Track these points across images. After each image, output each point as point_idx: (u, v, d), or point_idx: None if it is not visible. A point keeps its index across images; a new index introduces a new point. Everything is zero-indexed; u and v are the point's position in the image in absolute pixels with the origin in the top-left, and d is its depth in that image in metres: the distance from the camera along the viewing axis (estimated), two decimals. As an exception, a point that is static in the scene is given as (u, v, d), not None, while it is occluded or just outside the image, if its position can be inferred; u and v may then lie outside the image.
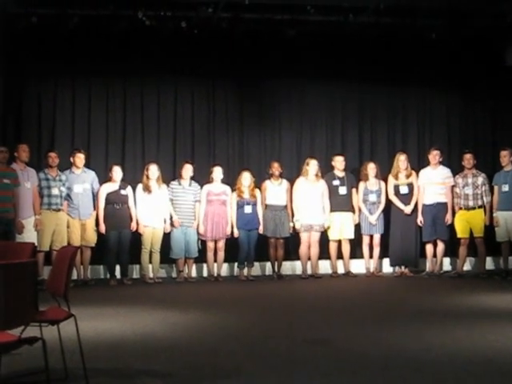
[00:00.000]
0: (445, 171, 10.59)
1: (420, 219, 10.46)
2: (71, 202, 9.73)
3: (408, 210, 10.44)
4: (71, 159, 9.86)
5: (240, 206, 10.22)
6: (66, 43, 10.04)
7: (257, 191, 10.32)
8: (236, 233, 10.20)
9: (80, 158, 9.82)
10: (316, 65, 10.90)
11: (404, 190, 10.50)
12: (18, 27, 9.57)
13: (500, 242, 10.17)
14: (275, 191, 10.37)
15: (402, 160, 10.57)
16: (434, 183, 10.48)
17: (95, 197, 9.87)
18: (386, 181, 10.64)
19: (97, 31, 9.94)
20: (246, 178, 10.26)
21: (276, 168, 10.41)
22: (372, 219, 10.48)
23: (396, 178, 10.56)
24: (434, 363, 5.04)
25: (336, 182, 10.55)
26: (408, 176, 10.55)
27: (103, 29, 9.87)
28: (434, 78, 11.34)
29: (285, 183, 10.45)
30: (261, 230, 10.28)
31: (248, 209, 10.21)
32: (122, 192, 9.87)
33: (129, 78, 10.80)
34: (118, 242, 9.78)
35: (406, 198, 10.48)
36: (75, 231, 9.68)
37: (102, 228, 9.74)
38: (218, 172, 10.27)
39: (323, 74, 11.04)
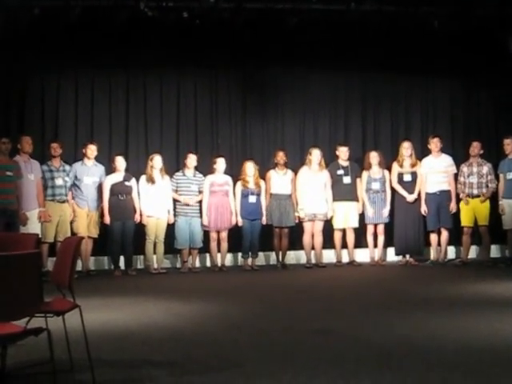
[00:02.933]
0: (447, 159, 10.59)
1: (424, 208, 10.46)
2: (80, 194, 9.74)
3: (411, 198, 10.44)
4: (83, 150, 9.88)
5: (244, 196, 10.22)
6: (68, 35, 10.01)
7: (261, 181, 10.33)
8: (240, 221, 10.21)
9: (92, 150, 9.84)
10: (318, 54, 10.86)
11: (407, 177, 10.50)
12: (21, 19, 9.57)
13: (506, 229, 10.15)
14: (280, 180, 10.37)
15: (405, 147, 10.55)
16: (436, 172, 10.47)
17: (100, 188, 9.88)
18: (389, 169, 10.63)
19: (99, 22, 9.91)
20: (250, 168, 10.25)
21: (281, 157, 10.41)
22: (384, 213, 10.48)
23: (401, 165, 10.56)
24: (438, 351, 5.03)
25: (340, 172, 10.54)
26: (413, 165, 10.55)
27: (105, 20, 9.83)
28: (437, 67, 11.30)
29: (290, 173, 10.44)
30: (264, 220, 10.30)
31: (252, 198, 10.22)
32: (126, 183, 9.89)
33: (131, 68, 10.80)
34: (122, 233, 9.80)
35: (410, 186, 10.48)
36: (82, 222, 9.69)
37: (107, 219, 9.76)
38: (221, 163, 10.27)
39: (326, 63, 11.01)
